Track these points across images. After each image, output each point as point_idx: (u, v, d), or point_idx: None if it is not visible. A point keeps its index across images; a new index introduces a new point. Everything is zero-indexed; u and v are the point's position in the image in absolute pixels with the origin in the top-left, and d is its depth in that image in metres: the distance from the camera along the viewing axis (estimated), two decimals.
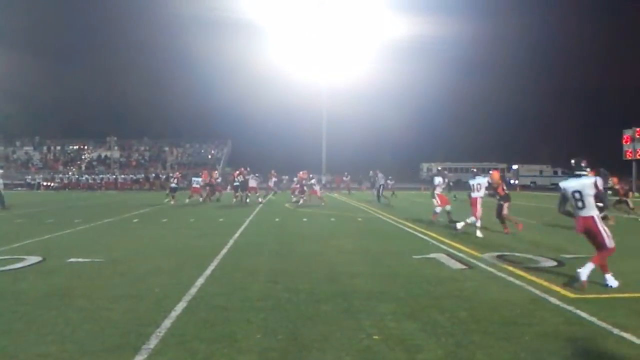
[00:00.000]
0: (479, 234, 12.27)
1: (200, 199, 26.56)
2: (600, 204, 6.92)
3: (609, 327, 4.99)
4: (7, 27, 65.20)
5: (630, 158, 41.92)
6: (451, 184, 22.47)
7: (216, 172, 35.22)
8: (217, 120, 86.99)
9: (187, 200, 25.71)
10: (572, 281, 6.83)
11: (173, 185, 27.40)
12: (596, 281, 6.92)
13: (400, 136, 72.49)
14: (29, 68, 69.90)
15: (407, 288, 6.73)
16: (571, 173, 7.07)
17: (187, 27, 77.45)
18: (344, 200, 30.66)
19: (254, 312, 5.58)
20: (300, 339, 4.69)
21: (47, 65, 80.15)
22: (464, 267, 8.23)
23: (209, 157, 64.61)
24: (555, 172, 60.85)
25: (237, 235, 12.52)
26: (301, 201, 24.87)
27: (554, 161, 67.38)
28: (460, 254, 9.43)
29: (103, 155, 63.70)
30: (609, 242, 6.68)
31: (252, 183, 25.84)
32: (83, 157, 65.09)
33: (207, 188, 27.19)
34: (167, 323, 5.16)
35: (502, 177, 14.84)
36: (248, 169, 26.38)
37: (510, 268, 8.03)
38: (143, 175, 56.55)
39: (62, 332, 4.96)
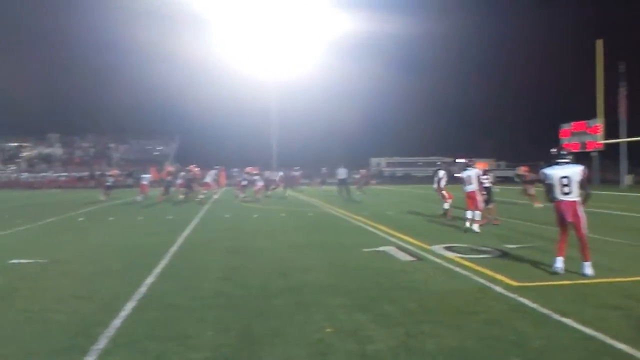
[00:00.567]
0: (476, 228, 11.81)
1: (181, 196, 24.78)
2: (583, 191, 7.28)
3: (550, 312, 5.22)
4: None
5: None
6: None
7: (171, 168, 33.54)
8: (165, 115, 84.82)
9: (138, 198, 24.57)
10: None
11: (109, 183, 26.66)
12: (542, 268, 7.27)
13: (349, 131, 73.27)
14: None
15: (357, 281, 6.83)
16: (552, 161, 7.37)
17: (132, 20, 75.26)
18: (295, 195, 30.66)
19: (205, 309, 5.54)
20: (253, 334, 4.69)
21: None
22: (413, 259, 8.41)
23: (156, 153, 63.20)
24: (499, 166, 63.25)
25: (187, 232, 12.34)
26: (242, 195, 25.80)
27: (497, 154, 70.01)
28: (410, 247, 9.64)
29: (44, 152, 61.21)
30: (585, 228, 7.06)
31: (209, 179, 26.02)
32: (23, 154, 62.37)
33: (163, 187, 25.76)
34: (116, 323, 5.04)
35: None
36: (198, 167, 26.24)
37: (458, 259, 8.29)
38: (88, 173, 54.79)
39: (3, 334, 4.79)
